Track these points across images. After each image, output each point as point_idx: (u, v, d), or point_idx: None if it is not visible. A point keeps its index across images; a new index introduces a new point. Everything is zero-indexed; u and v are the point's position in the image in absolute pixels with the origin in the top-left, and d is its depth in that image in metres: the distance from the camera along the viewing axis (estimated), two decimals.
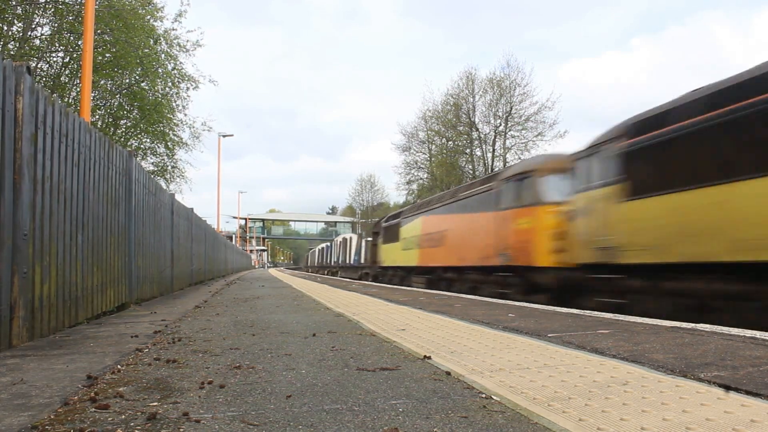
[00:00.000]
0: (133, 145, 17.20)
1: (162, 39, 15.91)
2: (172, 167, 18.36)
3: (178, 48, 16.28)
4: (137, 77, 15.81)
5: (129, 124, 17.40)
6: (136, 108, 16.39)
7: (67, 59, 14.70)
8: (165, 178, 18.24)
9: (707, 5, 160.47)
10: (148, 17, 15.19)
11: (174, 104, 17.11)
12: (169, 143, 17.51)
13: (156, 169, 17.84)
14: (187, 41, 16.41)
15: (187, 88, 17.00)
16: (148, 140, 17.73)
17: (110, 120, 16.73)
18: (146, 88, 16.01)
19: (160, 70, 15.99)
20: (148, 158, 17.69)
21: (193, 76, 16.85)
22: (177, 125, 17.49)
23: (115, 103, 16.76)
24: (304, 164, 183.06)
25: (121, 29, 14.03)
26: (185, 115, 17.71)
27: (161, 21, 15.81)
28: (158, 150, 17.92)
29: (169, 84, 16.54)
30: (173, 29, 16.18)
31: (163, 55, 15.99)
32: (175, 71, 16.44)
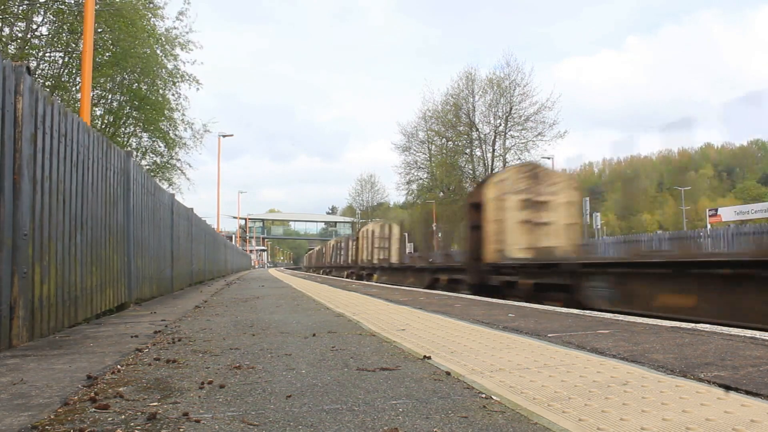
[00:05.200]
0: (133, 144, 17.24)
1: (163, 38, 15.93)
2: (171, 165, 18.41)
3: (179, 48, 16.32)
4: (137, 76, 15.85)
5: (129, 122, 17.45)
6: (135, 107, 16.43)
7: (66, 59, 14.71)
8: (166, 178, 18.27)
9: (705, 4, 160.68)
10: (149, 15, 15.22)
11: (173, 104, 17.16)
12: (169, 142, 17.57)
13: (155, 167, 17.87)
14: (188, 41, 16.45)
15: (189, 87, 17.06)
16: (148, 140, 17.77)
17: (110, 120, 16.75)
18: (145, 88, 16.05)
19: (160, 71, 16.02)
20: (148, 156, 17.73)
21: (194, 76, 16.91)
22: (177, 125, 17.54)
23: (115, 103, 16.80)
24: (302, 164, 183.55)
25: (122, 28, 14.05)
26: (184, 114, 17.72)
27: (162, 20, 15.86)
28: (157, 149, 17.97)
29: (170, 83, 16.59)
30: (174, 28, 16.21)
31: (163, 58, 16.03)
32: (176, 70, 16.48)
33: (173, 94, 16.88)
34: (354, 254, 22.55)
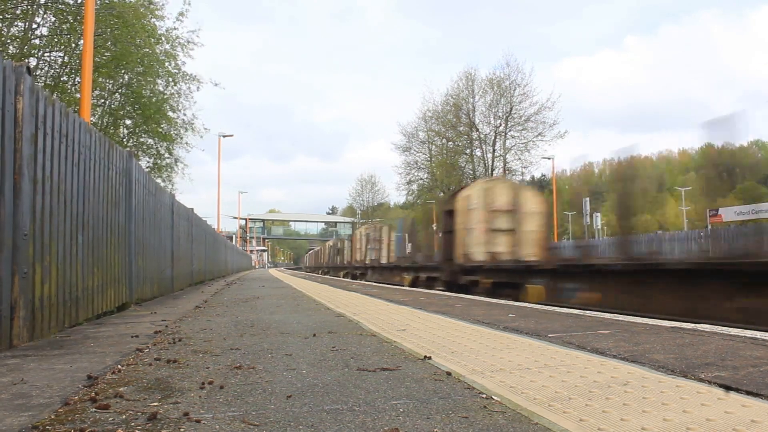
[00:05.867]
0: (132, 143, 17.29)
1: (163, 38, 15.97)
2: (168, 165, 18.44)
3: (180, 48, 16.34)
4: (137, 77, 15.88)
5: (129, 123, 17.49)
6: (135, 108, 16.45)
7: (66, 59, 14.74)
8: (164, 177, 18.30)
9: (703, 3, 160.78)
10: (150, 16, 15.25)
11: (174, 102, 17.18)
12: (168, 139, 17.62)
13: (154, 167, 17.91)
14: (188, 42, 16.47)
15: (189, 88, 17.05)
16: (149, 139, 17.81)
17: (111, 120, 16.78)
18: (144, 85, 16.07)
19: (160, 70, 16.04)
20: (146, 154, 17.77)
21: (195, 76, 16.92)
22: (179, 125, 17.54)
23: (115, 103, 16.83)
24: (301, 164, 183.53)
25: (122, 28, 14.08)
26: (185, 114, 17.72)
27: (162, 20, 15.88)
28: (151, 146, 18.01)
29: (171, 83, 16.60)
30: (174, 28, 16.23)
31: (164, 57, 16.05)
32: (176, 70, 16.49)
33: (175, 92, 16.96)
34: (449, 243, 11.04)
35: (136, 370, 2.51)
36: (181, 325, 4.35)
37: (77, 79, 14.42)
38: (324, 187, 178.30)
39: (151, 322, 4.52)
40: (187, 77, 16.69)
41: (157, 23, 15.66)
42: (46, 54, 14.62)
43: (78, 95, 12.04)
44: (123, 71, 15.54)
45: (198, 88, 17.12)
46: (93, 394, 2.01)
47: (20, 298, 3.25)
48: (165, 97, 16.66)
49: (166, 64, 16.15)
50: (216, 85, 17.98)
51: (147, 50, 15.00)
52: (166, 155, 18.07)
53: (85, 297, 4.48)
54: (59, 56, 14.83)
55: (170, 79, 16.48)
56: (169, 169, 18.37)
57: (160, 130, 16.96)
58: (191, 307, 6.15)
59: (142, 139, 17.77)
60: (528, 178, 37.99)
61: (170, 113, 16.97)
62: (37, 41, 14.35)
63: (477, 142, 34.55)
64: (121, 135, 16.97)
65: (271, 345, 3.21)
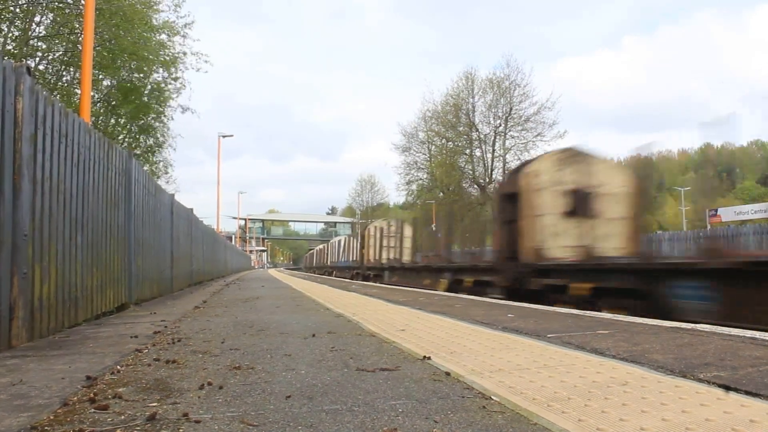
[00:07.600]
0: (124, 140, 17.40)
1: (159, 30, 16.07)
2: (155, 157, 18.56)
3: (175, 34, 16.45)
4: (132, 69, 15.96)
5: (123, 120, 17.59)
6: (132, 100, 16.51)
7: (65, 58, 14.77)
8: (153, 172, 18.41)
9: (701, 3, 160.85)
10: (147, 12, 15.34)
11: (170, 85, 17.26)
12: (159, 138, 17.74)
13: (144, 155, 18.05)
14: (184, 24, 16.56)
15: (184, 99, 17.19)
16: (141, 137, 17.93)
17: (106, 117, 16.85)
18: (140, 77, 16.16)
19: (151, 56, 16.12)
20: (141, 145, 17.90)
21: (186, 53, 17.00)
22: (171, 99, 17.55)
23: (111, 100, 16.92)
24: (300, 164, 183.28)
25: (119, 25, 14.16)
26: (177, 94, 17.64)
27: (158, 13, 15.99)
28: (142, 141, 18.11)
29: (165, 68, 16.68)
30: (173, 21, 16.31)
31: (159, 48, 16.14)
32: (165, 53, 16.55)
33: (172, 80, 17.04)
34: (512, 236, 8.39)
35: (135, 370, 2.51)
36: (180, 325, 4.35)
37: (68, 72, 14.49)
38: (323, 187, 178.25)
39: (151, 323, 4.52)
40: (183, 54, 16.77)
41: (152, 15, 15.77)
42: (46, 54, 14.64)
43: (75, 100, 12.08)
44: (120, 67, 15.62)
45: (192, 54, 17.05)
46: (92, 395, 2.01)
47: (19, 298, 3.25)
48: (158, 85, 16.74)
49: (160, 52, 16.21)
50: (201, 63, 17.76)
51: (145, 44, 15.08)
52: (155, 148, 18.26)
53: (84, 297, 4.48)
54: (58, 56, 14.87)
55: (166, 67, 16.59)
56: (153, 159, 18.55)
57: (149, 121, 17.08)
58: (190, 307, 6.14)
59: (134, 133, 17.89)
60: None
61: (167, 96, 17.10)
62: (34, 41, 14.38)
63: (477, 142, 34.55)
64: (115, 132, 17.05)
65: (271, 345, 3.21)
